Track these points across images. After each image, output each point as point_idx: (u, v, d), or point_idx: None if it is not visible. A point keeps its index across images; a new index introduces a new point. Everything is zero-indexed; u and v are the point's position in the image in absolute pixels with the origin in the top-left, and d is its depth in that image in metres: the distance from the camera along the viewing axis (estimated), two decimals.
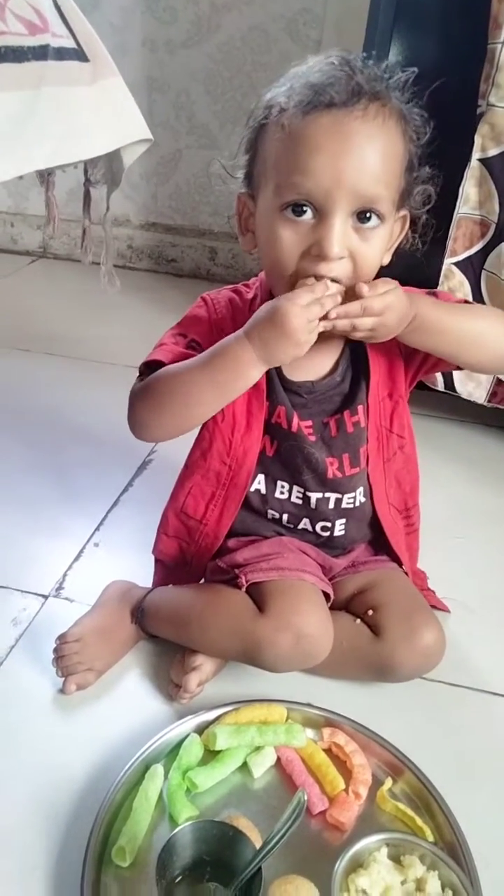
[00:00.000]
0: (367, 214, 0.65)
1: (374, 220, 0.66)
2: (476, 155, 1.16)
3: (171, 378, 0.71)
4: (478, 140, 1.15)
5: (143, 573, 0.89)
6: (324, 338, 0.70)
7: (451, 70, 1.24)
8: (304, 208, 0.65)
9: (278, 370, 0.76)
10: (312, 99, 0.62)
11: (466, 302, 0.83)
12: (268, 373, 0.74)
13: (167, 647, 0.84)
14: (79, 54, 0.73)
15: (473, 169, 1.18)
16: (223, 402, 0.72)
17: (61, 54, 0.71)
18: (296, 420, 0.76)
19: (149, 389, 0.72)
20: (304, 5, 1.74)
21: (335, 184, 0.62)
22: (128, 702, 0.79)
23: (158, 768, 0.69)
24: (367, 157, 0.63)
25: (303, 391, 0.77)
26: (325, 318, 0.65)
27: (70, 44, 0.72)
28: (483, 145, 1.16)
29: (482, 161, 1.17)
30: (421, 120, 0.69)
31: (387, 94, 0.65)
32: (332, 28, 1.73)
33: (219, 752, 0.71)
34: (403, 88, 0.67)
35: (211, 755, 0.71)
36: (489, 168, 1.17)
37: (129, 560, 0.96)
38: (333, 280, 0.65)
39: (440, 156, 1.18)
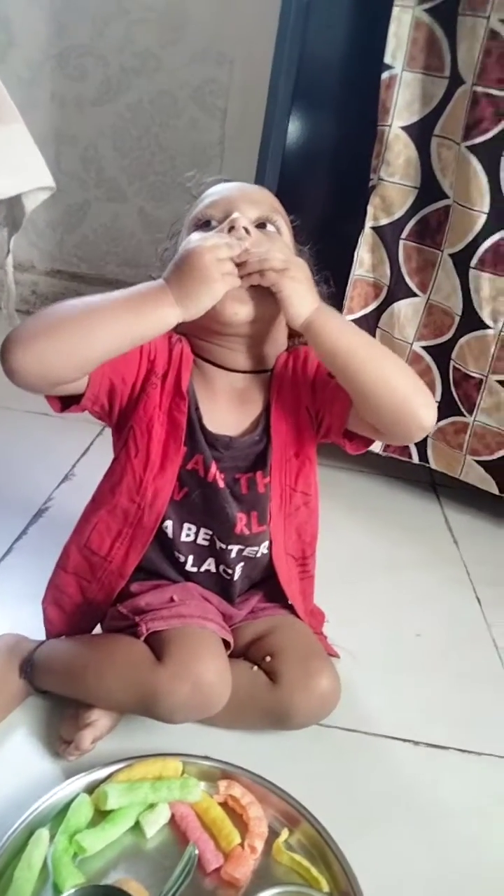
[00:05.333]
0: (265, 225, 0.75)
1: (271, 228, 0.75)
2: (369, 223, 1.25)
3: (77, 302, 0.67)
4: (370, 210, 1.24)
5: (35, 625, 0.85)
6: (246, 397, 0.78)
7: (345, 146, 1.34)
8: (211, 223, 0.74)
9: (199, 419, 0.76)
10: (216, 179, 0.80)
11: None
12: (189, 418, 0.75)
13: (58, 703, 0.80)
14: None
15: (367, 236, 1.26)
16: (129, 338, 0.67)
17: None
18: (213, 469, 0.77)
19: (44, 312, 0.66)
20: (210, 75, 1.83)
21: (233, 203, 0.75)
22: (13, 762, 0.74)
23: (43, 833, 0.64)
24: (252, 188, 0.79)
25: (219, 445, 0.77)
26: (241, 269, 0.68)
27: None
28: (375, 215, 1.25)
29: (374, 229, 1.26)
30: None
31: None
32: (236, 98, 1.83)
33: (110, 811, 0.68)
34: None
35: (101, 816, 0.68)
36: (381, 236, 1.26)
37: (22, 612, 0.91)
38: (246, 230, 0.70)
39: (338, 222, 1.27)
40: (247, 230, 0.70)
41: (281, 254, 0.70)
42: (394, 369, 0.71)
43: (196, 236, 0.72)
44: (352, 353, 0.70)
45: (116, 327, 0.66)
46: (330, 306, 0.73)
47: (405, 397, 0.70)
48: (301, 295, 0.69)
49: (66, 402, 0.72)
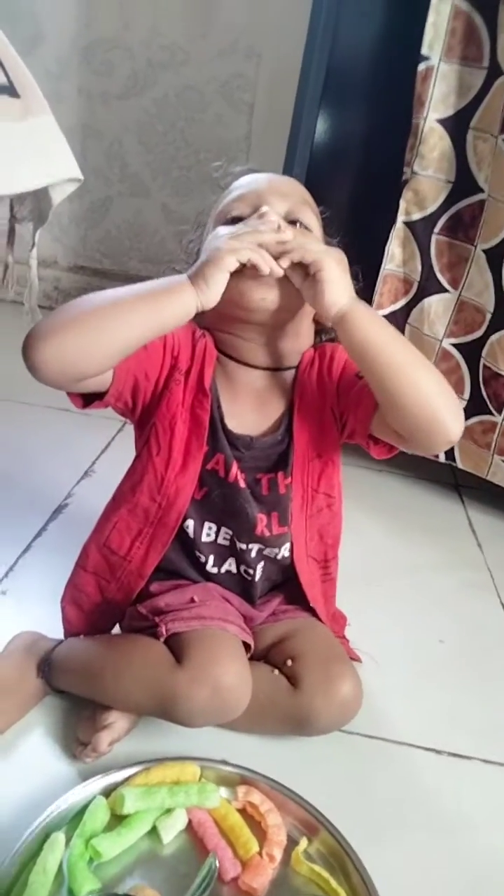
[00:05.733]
0: (296, 222, 0.72)
1: (300, 227, 0.73)
2: (401, 218, 1.23)
3: (96, 296, 0.66)
4: (402, 204, 1.22)
5: (54, 624, 0.84)
6: (268, 396, 0.76)
7: (375, 140, 1.32)
8: (241, 218, 0.72)
9: (221, 417, 0.75)
10: (244, 170, 0.79)
11: None
12: (211, 416, 0.74)
13: (75, 703, 0.79)
14: (8, 90, 0.72)
15: (398, 230, 1.24)
16: (148, 327, 0.66)
17: None
18: (234, 469, 0.75)
19: (65, 307, 0.66)
20: (237, 70, 1.81)
21: (261, 196, 0.73)
22: (30, 763, 0.74)
23: (59, 836, 0.63)
24: (281, 180, 0.78)
25: (240, 444, 0.76)
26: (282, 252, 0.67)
27: (0, 79, 0.71)
28: (407, 209, 1.23)
29: (406, 224, 1.24)
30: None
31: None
32: (263, 93, 1.81)
33: (126, 816, 0.66)
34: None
35: (118, 820, 0.67)
36: (413, 230, 1.24)
37: (40, 609, 0.91)
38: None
39: (368, 217, 1.26)
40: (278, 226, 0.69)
41: (308, 251, 0.68)
42: (425, 374, 0.68)
43: (224, 230, 0.70)
44: (383, 351, 0.68)
45: (136, 317, 0.65)
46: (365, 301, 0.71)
47: (433, 404, 0.67)
48: (340, 281, 0.67)
49: (88, 399, 0.71)
